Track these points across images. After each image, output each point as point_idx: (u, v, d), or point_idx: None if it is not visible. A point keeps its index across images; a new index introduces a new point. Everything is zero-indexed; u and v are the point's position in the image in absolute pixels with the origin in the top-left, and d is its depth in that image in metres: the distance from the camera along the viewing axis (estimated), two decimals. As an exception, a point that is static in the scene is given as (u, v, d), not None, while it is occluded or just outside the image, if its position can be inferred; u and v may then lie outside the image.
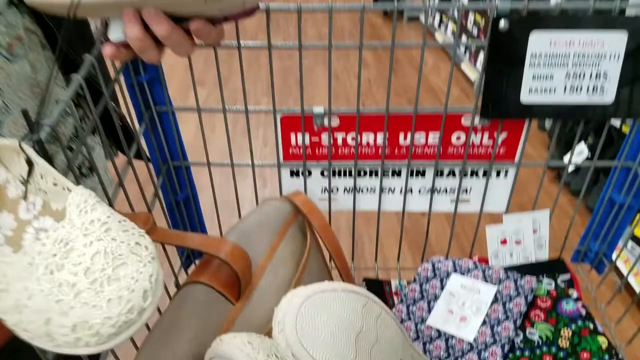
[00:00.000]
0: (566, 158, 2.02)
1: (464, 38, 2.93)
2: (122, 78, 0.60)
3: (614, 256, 0.72)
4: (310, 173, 0.71)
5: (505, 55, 0.56)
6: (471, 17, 2.76)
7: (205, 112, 0.65)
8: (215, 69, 0.61)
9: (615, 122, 1.79)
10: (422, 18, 3.65)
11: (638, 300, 1.42)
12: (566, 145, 2.05)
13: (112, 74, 0.56)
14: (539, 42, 0.55)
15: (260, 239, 0.59)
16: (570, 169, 1.98)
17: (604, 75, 0.56)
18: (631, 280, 1.54)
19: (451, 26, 3.12)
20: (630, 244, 1.53)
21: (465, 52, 2.92)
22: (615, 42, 0.55)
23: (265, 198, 0.66)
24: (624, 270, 1.51)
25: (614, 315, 0.69)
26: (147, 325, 0.59)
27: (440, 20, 3.31)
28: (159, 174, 0.70)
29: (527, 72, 0.57)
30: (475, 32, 2.73)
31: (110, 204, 0.52)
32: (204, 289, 0.50)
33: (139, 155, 0.63)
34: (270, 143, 2.31)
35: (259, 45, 0.61)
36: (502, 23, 0.55)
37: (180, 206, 0.75)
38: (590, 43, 0.55)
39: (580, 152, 1.94)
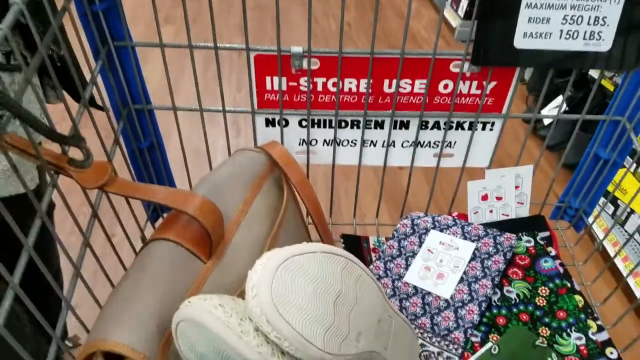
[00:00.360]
0: (543, 112, 2.02)
1: None
2: (73, 6, 0.52)
3: (591, 218, 0.71)
4: (287, 123, 0.67)
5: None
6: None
7: (171, 50, 0.59)
8: (183, 4, 0.55)
9: (594, 75, 1.78)
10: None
11: (612, 263, 1.46)
12: (545, 98, 2.04)
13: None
14: (538, -19, 0.51)
15: (233, 192, 0.55)
16: (546, 122, 1.97)
17: (603, 20, 0.53)
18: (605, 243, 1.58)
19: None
20: (603, 201, 1.55)
21: (446, -1, 2.84)
22: (618, -16, 0.51)
23: (238, 148, 0.62)
24: (599, 232, 1.53)
25: (589, 275, 0.69)
26: (110, 283, 0.55)
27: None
28: (119, 119, 0.64)
29: (523, 14, 0.52)
30: None
31: (64, 152, 0.47)
32: (172, 245, 0.46)
33: (93, 102, 0.57)
34: (245, 89, 2.22)
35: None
36: (500, -41, 0.50)
37: (145, 155, 0.69)
38: (591, -16, 0.51)
39: (558, 106, 1.93)
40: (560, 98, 1.93)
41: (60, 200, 0.49)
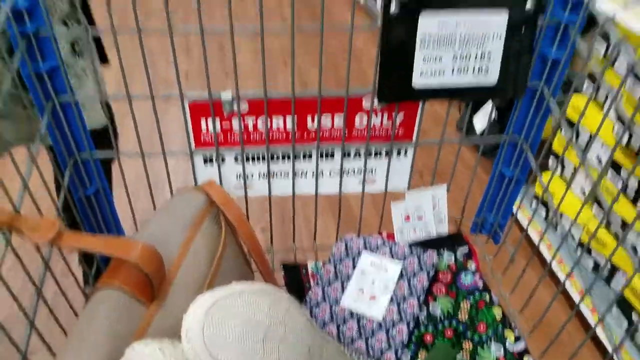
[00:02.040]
0: (475, 119, 2.10)
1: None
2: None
3: (521, 219, 0.78)
4: (223, 160, 0.72)
5: (397, 40, 0.59)
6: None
7: (119, 102, 0.64)
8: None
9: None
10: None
11: (540, 266, 1.54)
12: (478, 104, 2.09)
13: None
14: (428, 24, 0.58)
15: (173, 234, 0.59)
16: (478, 129, 2.05)
17: (488, 56, 0.60)
18: (542, 247, 1.66)
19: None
20: (534, 204, 1.63)
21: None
22: (497, 21, 0.59)
23: (178, 188, 0.66)
24: (534, 236, 1.62)
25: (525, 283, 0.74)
26: (64, 331, 0.58)
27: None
28: (65, 168, 0.68)
29: (418, 55, 0.60)
30: None
31: (16, 209, 0.51)
32: (116, 292, 0.50)
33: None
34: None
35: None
36: (393, 8, 0.57)
37: (92, 201, 0.73)
38: (475, 24, 0.58)
39: (485, 115, 2.00)
40: (485, 110, 2.02)
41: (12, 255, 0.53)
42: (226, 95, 0.66)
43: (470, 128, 2.10)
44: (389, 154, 0.71)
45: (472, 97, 0.62)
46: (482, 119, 2.04)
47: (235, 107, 0.67)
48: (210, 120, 0.68)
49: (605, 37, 1.30)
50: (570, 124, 1.44)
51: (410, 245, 0.71)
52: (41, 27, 0.56)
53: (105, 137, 0.72)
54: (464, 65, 0.61)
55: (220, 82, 2.43)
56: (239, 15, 3.19)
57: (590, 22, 0.62)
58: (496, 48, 0.60)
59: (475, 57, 0.60)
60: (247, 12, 3.27)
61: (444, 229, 0.73)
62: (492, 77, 0.62)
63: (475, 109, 2.06)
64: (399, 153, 0.71)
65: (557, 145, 1.55)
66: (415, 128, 0.68)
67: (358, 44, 2.99)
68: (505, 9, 0.57)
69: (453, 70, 0.61)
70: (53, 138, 0.66)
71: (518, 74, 0.61)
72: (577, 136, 1.46)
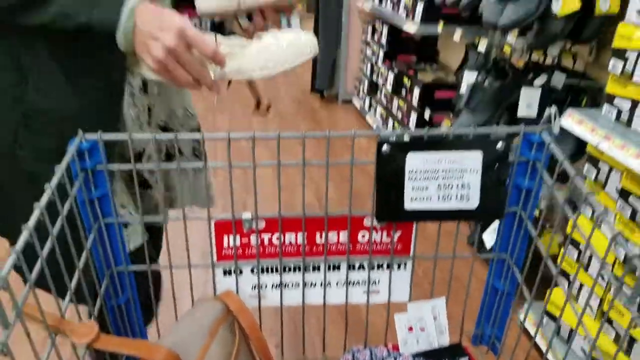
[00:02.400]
0: (485, 235, 2.15)
1: (390, 121, 3.18)
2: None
3: (532, 333, 0.82)
4: (241, 272, 0.81)
5: (390, 172, 0.70)
6: (395, 102, 3.04)
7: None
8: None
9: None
10: (355, 103, 3.96)
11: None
12: (483, 224, 2.16)
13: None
14: (414, 161, 0.69)
15: (193, 341, 0.67)
16: (488, 245, 2.10)
17: (468, 186, 0.71)
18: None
19: (379, 110, 3.39)
20: (545, 319, 1.63)
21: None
22: (473, 159, 0.70)
23: (199, 298, 0.75)
24: (542, 346, 1.60)
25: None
26: None
27: (370, 104, 3.60)
28: (103, 279, 0.78)
29: (408, 185, 0.70)
30: (399, 115, 2.99)
31: (62, 314, 0.60)
32: None
33: None
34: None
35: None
36: (385, 147, 0.69)
37: (122, 308, 0.82)
38: (454, 161, 0.70)
39: (494, 231, 2.08)
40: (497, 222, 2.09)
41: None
42: (246, 215, 0.77)
43: (481, 243, 2.16)
44: (389, 266, 0.79)
45: (456, 219, 0.72)
46: (491, 235, 2.11)
47: (254, 225, 0.78)
48: (231, 236, 0.78)
49: (594, 162, 1.40)
50: (575, 241, 1.50)
51: (414, 356, 0.76)
52: (98, 163, 0.69)
53: (143, 252, 0.83)
54: (447, 194, 0.71)
55: (242, 199, 2.59)
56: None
57: (580, 150, 0.73)
58: (474, 180, 0.70)
59: (457, 187, 0.71)
60: (267, 125, 3.54)
61: (445, 340, 0.78)
62: (472, 203, 0.71)
63: (485, 226, 2.15)
64: (399, 266, 0.79)
65: (566, 265, 1.59)
66: (412, 243, 0.77)
67: (371, 157, 3.17)
68: (479, 150, 0.69)
69: (438, 197, 0.71)
70: (95, 253, 0.76)
71: (496, 200, 0.71)
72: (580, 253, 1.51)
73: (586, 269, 1.45)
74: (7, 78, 0.75)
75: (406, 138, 0.69)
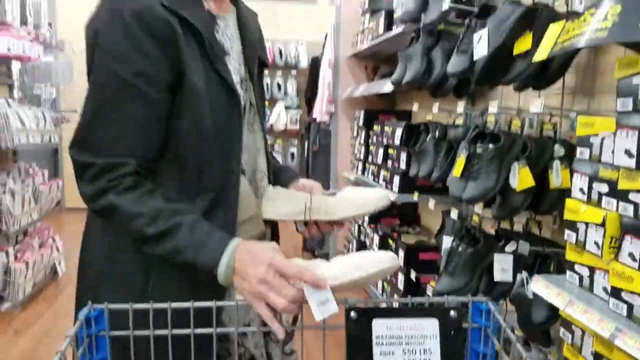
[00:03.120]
0: None
1: (379, 281, 3.23)
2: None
3: None
4: None
5: (358, 338, 0.79)
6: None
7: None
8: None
9: None
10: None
11: None
12: None
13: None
14: (379, 327, 0.79)
15: None
16: None
17: (429, 350, 0.79)
18: None
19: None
20: None
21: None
22: (432, 326, 0.79)
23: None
24: None
25: None
26: None
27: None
28: None
29: (376, 350, 0.79)
30: (387, 275, 3.05)
31: None
32: None
33: None
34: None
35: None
36: (352, 314, 0.79)
37: None
38: (415, 327, 0.79)
39: None
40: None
41: None
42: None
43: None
44: None
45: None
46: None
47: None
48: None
49: (568, 325, 1.47)
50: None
51: None
52: (101, 330, 0.78)
53: None
54: (412, 358, 0.79)
55: None
56: None
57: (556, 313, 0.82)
58: (434, 345, 0.79)
59: (420, 352, 0.79)
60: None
61: None
62: (435, 370, 0.79)
63: None
64: None
65: None
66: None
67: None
68: (436, 319, 0.79)
69: (404, 362, 0.79)
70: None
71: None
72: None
73: None
74: (136, 280, 0.92)
75: (371, 305, 0.80)
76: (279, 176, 1.15)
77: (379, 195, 1.05)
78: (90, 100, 0.91)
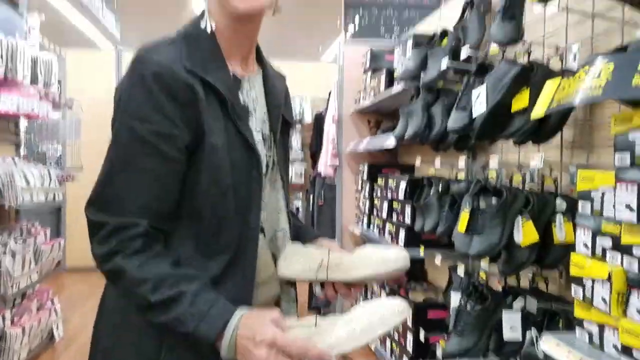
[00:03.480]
0: None
1: (387, 342, 3.13)
2: None
3: None
4: None
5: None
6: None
7: None
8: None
9: None
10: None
11: None
12: None
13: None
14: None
15: None
16: None
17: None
18: None
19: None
20: None
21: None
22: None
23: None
24: None
25: None
26: None
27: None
28: None
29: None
30: (396, 336, 2.96)
31: None
32: None
33: None
34: None
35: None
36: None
37: None
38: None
39: None
40: None
41: None
42: None
43: None
44: None
45: None
46: None
47: None
48: None
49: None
50: None
51: None
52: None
53: None
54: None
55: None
56: None
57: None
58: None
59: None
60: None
61: None
62: None
63: None
64: None
65: None
66: None
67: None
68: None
69: None
70: None
71: None
72: None
73: None
74: (149, 348, 0.90)
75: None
76: (299, 235, 1.12)
77: (400, 255, 0.99)
78: (108, 159, 0.91)
